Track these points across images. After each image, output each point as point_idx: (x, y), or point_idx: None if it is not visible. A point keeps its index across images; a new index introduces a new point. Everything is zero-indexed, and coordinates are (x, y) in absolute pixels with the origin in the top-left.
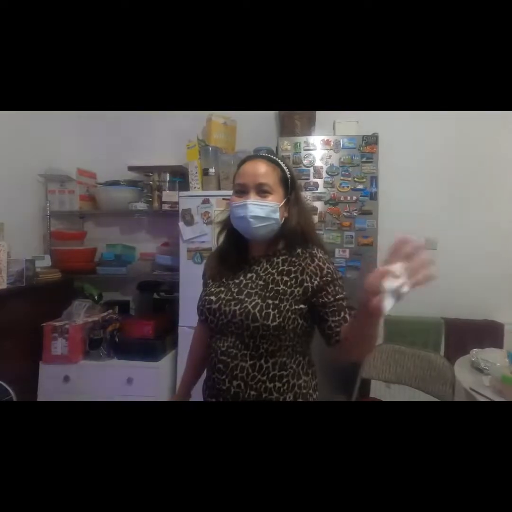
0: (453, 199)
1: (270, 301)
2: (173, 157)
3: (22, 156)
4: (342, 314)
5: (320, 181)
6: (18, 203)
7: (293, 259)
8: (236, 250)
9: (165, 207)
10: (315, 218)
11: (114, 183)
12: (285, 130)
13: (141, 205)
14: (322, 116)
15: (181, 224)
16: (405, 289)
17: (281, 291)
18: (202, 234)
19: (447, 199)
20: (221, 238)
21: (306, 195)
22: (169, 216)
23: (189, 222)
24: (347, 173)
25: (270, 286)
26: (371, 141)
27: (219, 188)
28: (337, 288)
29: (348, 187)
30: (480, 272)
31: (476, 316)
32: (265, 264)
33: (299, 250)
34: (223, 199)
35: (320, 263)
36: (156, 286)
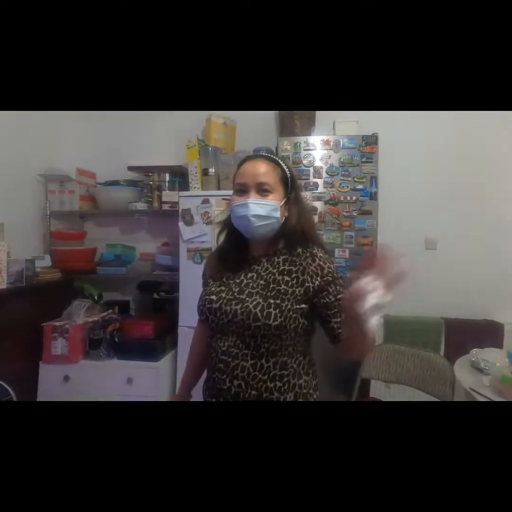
0: (453, 199)
1: (271, 301)
2: (173, 157)
3: (22, 156)
4: (344, 315)
5: (320, 181)
6: (18, 203)
7: (294, 258)
8: (236, 250)
9: (165, 207)
10: (315, 218)
11: (114, 183)
12: (285, 130)
13: (141, 205)
14: (322, 116)
15: (181, 224)
16: (387, 298)
17: (282, 290)
18: (202, 234)
19: (447, 199)
20: (221, 238)
21: (306, 195)
22: (169, 216)
23: (189, 222)
24: (347, 173)
25: (272, 285)
26: (371, 141)
27: (219, 188)
28: (338, 287)
29: (348, 187)
30: (480, 272)
31: (476, 316)
32: (265, 263)
33: (299, 250)
34: (223, 199)
35: (321, 263)
36: (156, 286)
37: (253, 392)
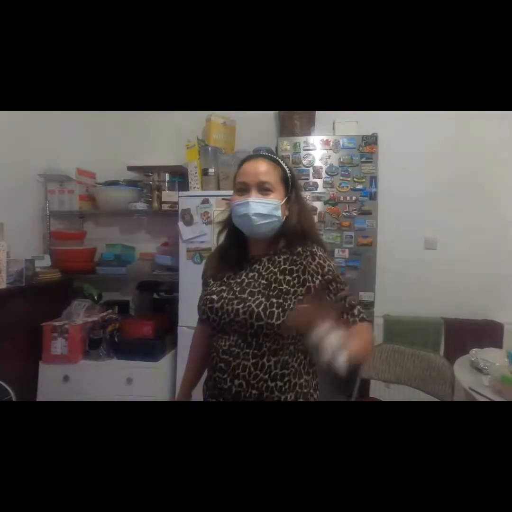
0: (453, 199)
1: (274, 300)
2: (172, 157)
3: (22, 156)
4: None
5: (319, 181)
6: (18, 203)
7: (294, 258)
8: (237, 249)
9: (165, 207)
10: (315, 218)
11: (114, 183)
12: (285, 130)
13: (140, 205)
14: (322, 116)
15: (180, 224)
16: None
17: (284, 290)
18: (201, 234)
19: (446, 199)
20: (222, 238)
21: (306, 195)
22: (168, 216)
23: (189, 222)
24: (346, 173)
25: (273, 285)
26: (370, 141)
27: (218, 188)
28: (338, 285)
29: (347, 187)
30: (479, 272)
31: (476, 316)
32: (266, 263)
33: (299, 249)
34: (223, 199)
35: (321, 261)
36: (156, 286)
37: (254, 391)
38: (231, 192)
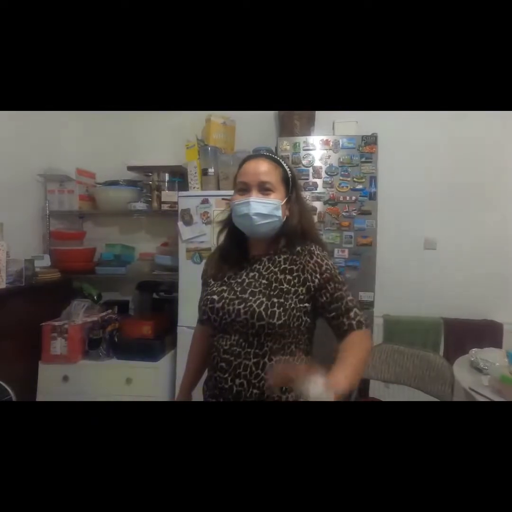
0: (453, 199)
1: (275, 300)
2: (172, 157)
3: (21, 156)
4: (340, 318)
5: (319, 181)
6: (18, 203)
7: (294, 257)
8: (237, 249)
9: (165, 207)
10: (314, 218)
11: (114, 183)
12: (285, 130)
13: (140, 205)
14: (322, 116)
15: (180, 224)
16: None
17: (285, 289)
18: (201, 234)
19: (446, 199)
20: (221, 238)
21: (305, 195)
22: (168, 216)
23: (188, 222)
24: (346, 173)
25: (274, 285)
26: (370, 141)
27: (218, 188)
28: (335, 285)
29: (347, 187)
30: (479, 272)
31: (475, 316)
32: (267, 263)
33: (299, 248)
34: (222, 199)
35: (319, 260)
36: (156, 286)
37: (255, 391)
38: (231, 192)
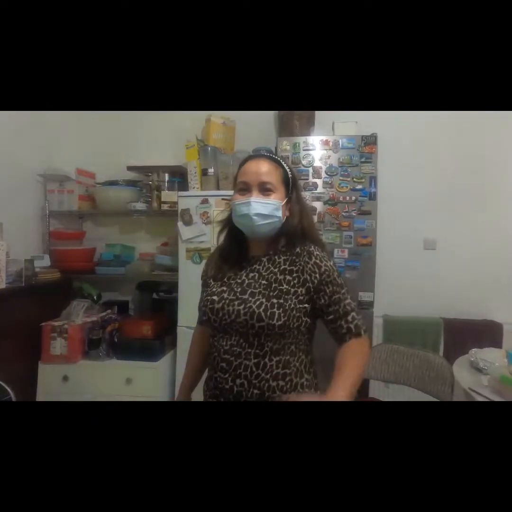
0: (452, 199)
1: (274, 301)
2: (172, 157)
3: (21, 155)
4: (338, 322)
5: (319, 181)
6: (17, 203)
7: (294, 258)
8: (237, 249)
9: (164, 207)
10: (314, 219)
11: (113, 183)
12: (284, 130)
13: (140, 205)
14: (321, 116)
15: (180, 224)
16: None
17: (284, 290)
18: (201, 234)
19: (446, 199)
20: (221, 237)
21: (305, 195)
22: (168, 216)
23: (188, 222)
24: (346, 173)
25: (274, 285)
26: (370, 141)
27: (218, 188)
28: (335, 287)
29: (347, 187)
30: (479, 272)
31: (475, 316)
32: (267, 263)
33: (298, 249)
34: (222, 199)
35: (317, 261)
36: (155, 286)
37: (255, 391)
38: (230, 192)
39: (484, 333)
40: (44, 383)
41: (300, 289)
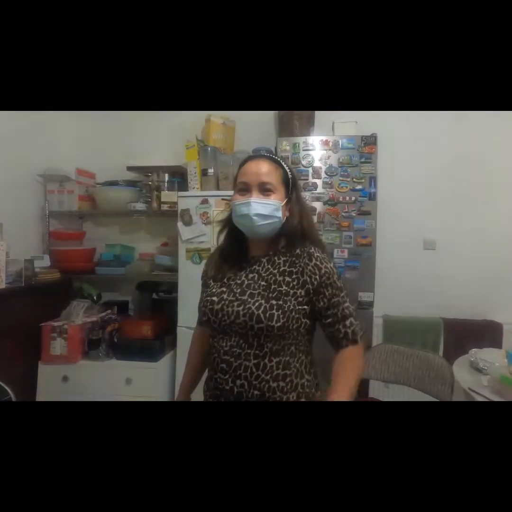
0: (452, 199)
1: (273, 302)
2: (172, 157)
3: (21, 156)
4: (335, 326)
5: (319, 182)
6: (17, 203)
7: (294, 259)
8: (236, 249)
9: (164, 207)
10: (314, 219)
11: (113, 183)
12: (284, 130)
13: (140, 205)
14: (321, 117)
15: (179, 224)
16: None
17: (283, 292)
18: (200, 234)
19: (446, 199)
20: (221, 237)
21: (305, 195)
22: (168, 216)
23: (188, 222)
24: (346, 174)
25: (273, 286)
26: (370, 141)
27: (218, 189)
28: (334, 290)
29: (347, 187)
30: (479, 272)
31: (475, 316)
32: (266, 264)
33: (298, 250)
34: (222, 199)
35: (318, 263)
36: (155, 286)
37: (256, 392)
38: (230, 192)
39: (484, 333)
40: (44, 383)
41: (300, 290)
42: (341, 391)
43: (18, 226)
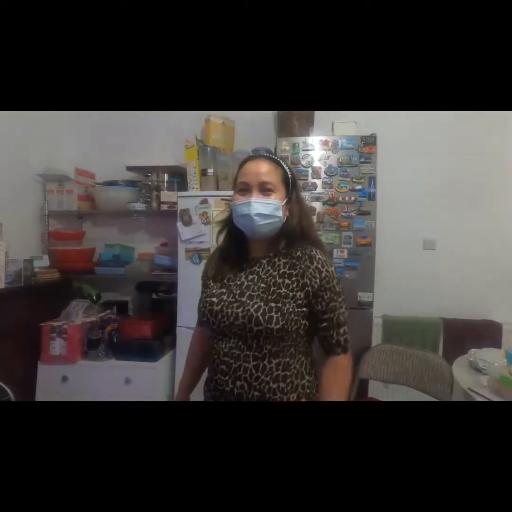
0: (452, 199)
1: (272, 304)
2: (171, 157)
3: (20, 155)
4: (331, 331)
5: (318, 182)
6: (17, 203)
7: (294, 261)
8: (236, 250)
9: (164, 207)
10: (314, 219)
11: (113, 183)
12: (284, 130)
13: (139, 205)
14: (321, 117)
15: (179, 224)
16: None
17: (283, 294)
18: (200, 235)
19: (445, 199)
20: (221, 238)
21: (305, 195)
22: (167, 216)
23: (187, 222)
24: (345, 174)
25: (272, 288)
26: (369, 141)
27: (217, 189)
28: (332, 295)
29: (346, 187)
30: (478, 272)
31: (475, 316)
32: (266, 265)
33: (299, 252)
34: (222, 199)
35: (319, 266)
36: (155, 286)
37: (256, 393)
38: (230, 192)
39: (484, 333)
40: (43, 383)
41: (299, 293)
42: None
43: (17, 226)
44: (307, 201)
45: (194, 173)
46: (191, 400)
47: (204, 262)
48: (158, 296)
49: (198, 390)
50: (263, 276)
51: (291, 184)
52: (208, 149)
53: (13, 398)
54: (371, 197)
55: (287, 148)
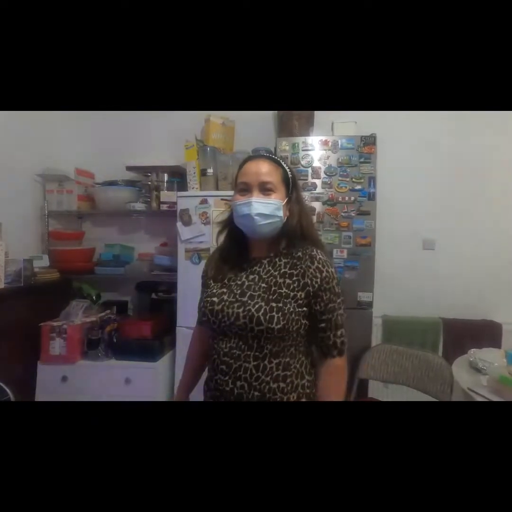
0: (451, 199)
1: (273, 304)
2: (171, 157)
3: (20, 155)
4: (328, 332)
5: (318, 182)
6: (16, 203)
7: (295, 261)
8: (237, 250)
9: (163, 207)
10: (313, 219)
11: (112, 183)
12: (284, 130)
13: (139, 205)
14: (321, 117)
15: (179, 224)
16: None
17: (284, 294)
18: (200, 235)
19: (445, 199)
20: (221, 238)
21: (304, 195)
22: (167, 216)
23: (187, 222)
24: (345, 174)
25: (273, 288)
26: (369, 141)
27: (217, 189)
28: (332, 296)
29: (346, 187)
30: (478, 272)
31: (474, 316)
32: (267, 265)
33: (300, 253)
34: (221, 199)
35: (320, 266)
36: (155, 286)
37: (256, 393)
38: (230, 192)
39: (483, 333)
40: (43, 383)
41: (300, 293)
42: None
43: (17, 226)
44: (307, 201)
45: (194, 173)
46: (190, 400)
47: (203, 262)
48: (157, 296)
49: (198, 390)
50: (264, 276)
51: (291, 184)
52: (208, 149)
53: (12, 398)
54: (371, 197)
55: (287, 148)
